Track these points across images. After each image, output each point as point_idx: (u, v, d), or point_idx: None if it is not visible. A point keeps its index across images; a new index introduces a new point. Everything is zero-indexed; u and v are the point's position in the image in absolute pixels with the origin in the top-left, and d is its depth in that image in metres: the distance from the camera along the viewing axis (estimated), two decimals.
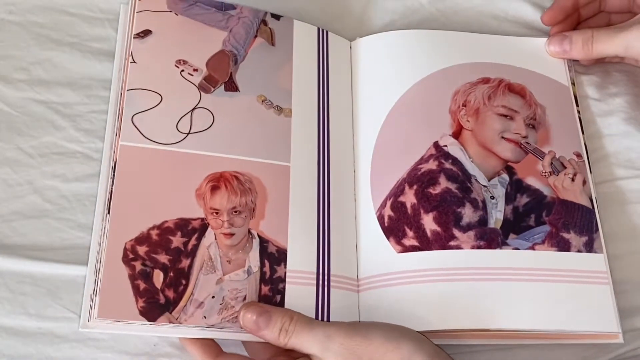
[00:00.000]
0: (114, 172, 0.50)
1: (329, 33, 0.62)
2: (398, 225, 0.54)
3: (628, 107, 0.62)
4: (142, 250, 0.49)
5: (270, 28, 0.60)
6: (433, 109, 0.58)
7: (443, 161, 0.55)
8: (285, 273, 0.51)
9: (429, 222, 0.53)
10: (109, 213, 0.49)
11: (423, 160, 0.56)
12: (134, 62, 0.54)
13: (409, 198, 0.54)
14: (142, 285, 0.48)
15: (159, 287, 0.48)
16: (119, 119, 0.52)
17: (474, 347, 0.53)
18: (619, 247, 0.56)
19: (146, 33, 0.56)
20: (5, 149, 0.56)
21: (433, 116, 0.58)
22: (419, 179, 0.55)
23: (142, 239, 0.49)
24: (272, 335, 0.47)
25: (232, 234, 0.51)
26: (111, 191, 0.50)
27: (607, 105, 0.62)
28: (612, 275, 0.52)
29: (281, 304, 0.50)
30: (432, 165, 0.55)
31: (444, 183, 0.54)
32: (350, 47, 0.63)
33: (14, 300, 0.52)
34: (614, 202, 0.58)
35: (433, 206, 0.54)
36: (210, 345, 0.49)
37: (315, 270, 0.51)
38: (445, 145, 0.56)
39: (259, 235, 0.51)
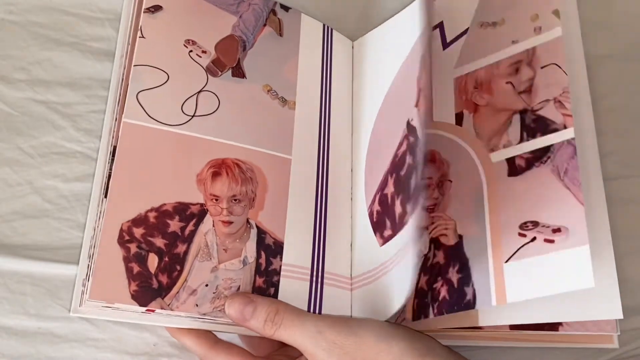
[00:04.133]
0: (114, 150, 0.49)
1: (334, 31, 0.62)
2: (382, 218, 0.53)
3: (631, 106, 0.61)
4: (138, 232, 0.48)
5: (279, 18, 0.59)
6: (406, 85, 0.56)
7: (410, 138, 0.53)
8: (280, 266, 0.50)
9: (398, 207, 0.52)
10: (105, 196, 0.48)
11: (400, 145, 0.54)
12: (143, 37, 0.53)
13: (390, 189, 0.53)
14: (136, 269, 0.47)
15: (152, 272, 0.47)
16: (123, 95, 0.51)
17: (473, 348, 0.53)
18: (621, 246, 0.55)
19: (156, 8, 0.54)
20: (5, 149, 0.56)
21: (406, 93, 0.55)
22: (396, 166, 0.54)
23: (139, 221, 0.48)
24: (258, 326, 0.47)
25: (230, 222, 0.50)
26: (110, 171, 0.49)
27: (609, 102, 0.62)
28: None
29: (274, 297, 0.49)
30: (404, 146, 0.54)
31: (408, 160, 0.52)
32: (353, 47, 0.63)
33: (13, 300, 0.52)
34: (616, 201, 0.58)
35: (401, 189, 0.52)
36: (205, 334, 0.48)
37: (309, 266, 0.51)
38: (412, 119, 0.54)
39: (257, 226, 0.51)
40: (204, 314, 0.47)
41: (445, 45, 0.58)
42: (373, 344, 0.45)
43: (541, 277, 0.45)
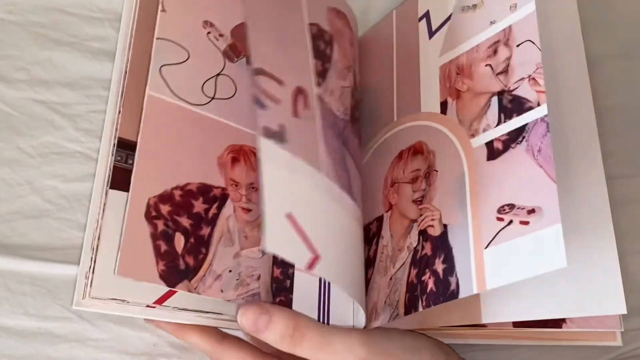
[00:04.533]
0: (119, 141, 0.47)
1: None
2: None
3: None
4: (165, 209, 0.46)
5: None
6: None
7: None
8: None
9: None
10: (110, 187, 0.46)
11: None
12: (164, 10, 0.51)
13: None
14: (164, 247, 0.45)
15: (179, 252, 0.45)
16: (144, 68, 0.49)
17: (475, 347, 0.53)
18: (625, 245, 0.55)
19: None
20: (5, 149, 0.56)
21: None
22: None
23: (165, 197, 0.46)
24: (274, 339, 0.44)
25: (249, 210, 0.49)
26: (113, 164, 0.47)
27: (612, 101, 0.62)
28: None
29: (291, 288, 0.49)
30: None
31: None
32: None
33: (13, 300, 0.52)
34: (616, 201, 0.58)
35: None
36: (211, 329, 0.47)
37: None
38: None
39: None
40: (229, 300, 0.46)
41: (431, 34, 0.57)
42: (400, 356, 0.45)
43: (516, 260, 0.44)
